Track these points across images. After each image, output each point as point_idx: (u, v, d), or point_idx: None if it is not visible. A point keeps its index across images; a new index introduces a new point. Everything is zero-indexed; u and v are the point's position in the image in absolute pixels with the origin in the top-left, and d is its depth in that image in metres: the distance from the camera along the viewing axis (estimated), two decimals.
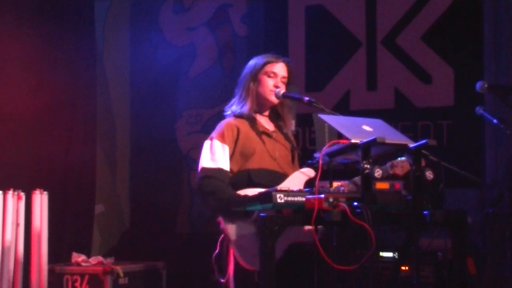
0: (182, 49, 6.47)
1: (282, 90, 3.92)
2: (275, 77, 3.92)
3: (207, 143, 3.85)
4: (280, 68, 3.95)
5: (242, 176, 3.80)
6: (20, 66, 5.39)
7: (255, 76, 3.93)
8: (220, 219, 3.70)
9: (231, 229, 3.63)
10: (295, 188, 3.36)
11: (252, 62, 3.99)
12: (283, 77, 3.95)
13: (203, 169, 3.78)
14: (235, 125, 3.87)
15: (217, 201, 3.68)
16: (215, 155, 3.79)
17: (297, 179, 3.68)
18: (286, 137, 4.03)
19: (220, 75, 6.25)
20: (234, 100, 3.98)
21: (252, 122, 3.93)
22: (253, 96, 3.92)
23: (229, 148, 3.81)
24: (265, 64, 3.94)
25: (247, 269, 3.60)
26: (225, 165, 3.78)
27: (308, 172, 3.68)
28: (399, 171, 3.35)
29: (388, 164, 3.35)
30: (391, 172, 3.34)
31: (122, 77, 6.63)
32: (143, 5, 6.61)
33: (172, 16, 6.56)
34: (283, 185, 3.44)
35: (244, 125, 3.89)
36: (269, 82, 3.91)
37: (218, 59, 6.38)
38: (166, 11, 6.58)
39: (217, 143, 3.81)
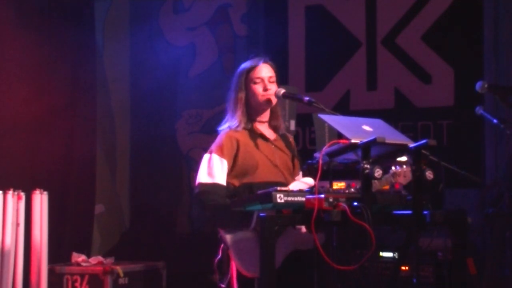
0: (182, 49, 6.46)
1: (282, 90, 3.89)
2: (262, 81, 3.87)
3: (206, 157, 3.84)
4: (263, 70, 3.90)
5: (245, 189, 3.78)
6: (20, 66, 5.39)
7: (241, 87, 3.89)
8: (220, 229, 3.72)
9: (230, 239, 3.66)
10: None
11: (235, 75, 3.94)
12: (270, 77, 3.90)
13: (200, 184, 3.79)
14: (235, 137, 3.84)
15: (214, 214, 3.70)
16: (212, 169, 3.78)
17: (296, 187, 3.65)
18: (288, 144, 4.00)
19: (220, 75, 6.24)
20: (227, 117, 3.93)
21: (252, 131, 3.90)
22: (244, 107, 3.88)
23: (228, 162, 3.79)
24: (247, 72, 3.89)
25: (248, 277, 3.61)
26: (222, 180, 3.77)
27: (309, 182, 3.65)
28: (401, 180, 3.36)
29: (390, 172, 3.36)
30: (393, 181, 3.35)
31: (122, 77, 6.63)
32: (143, 5, 6.61)
33: (172, 16, 6.55)
34: None
35: (244, 136, 3.87)
36: (258, 89, 3.87)
37: (218, 59, 6.38)
38: (166, 11, 6.57)
39: (215, 157, 3.79)
